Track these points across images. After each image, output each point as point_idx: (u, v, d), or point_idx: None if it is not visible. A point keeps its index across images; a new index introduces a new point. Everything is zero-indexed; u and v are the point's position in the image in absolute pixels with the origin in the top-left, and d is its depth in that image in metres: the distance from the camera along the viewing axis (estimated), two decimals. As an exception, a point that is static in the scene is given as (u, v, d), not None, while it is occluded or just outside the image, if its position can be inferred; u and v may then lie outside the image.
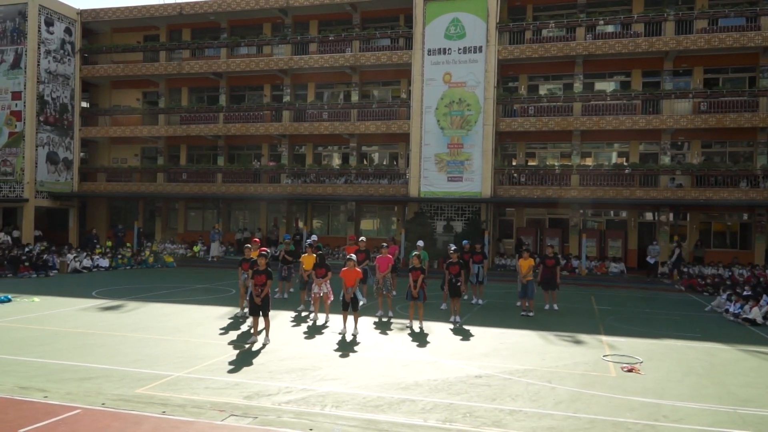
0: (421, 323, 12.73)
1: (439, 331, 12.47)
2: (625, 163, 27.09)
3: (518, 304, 15.56)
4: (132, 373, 8.60)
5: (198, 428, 6.56)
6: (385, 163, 31.17)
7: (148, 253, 27.27)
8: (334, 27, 30.81)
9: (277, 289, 16.63)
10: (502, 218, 29.26)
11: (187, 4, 31.05)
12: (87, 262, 24.02)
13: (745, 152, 26.41)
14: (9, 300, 15.28)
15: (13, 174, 30.19)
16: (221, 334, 11.71)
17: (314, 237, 16.96)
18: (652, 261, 24.55)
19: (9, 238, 28.21)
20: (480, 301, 16.45)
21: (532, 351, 10.73)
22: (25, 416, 6.76)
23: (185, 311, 14.37)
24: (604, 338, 12.05)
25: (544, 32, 27.59)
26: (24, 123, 30.06)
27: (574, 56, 26.54)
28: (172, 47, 32.09)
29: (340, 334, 11.83)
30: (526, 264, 14.70)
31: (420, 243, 15.85)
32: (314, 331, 12.26)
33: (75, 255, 24.26)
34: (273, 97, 31.74)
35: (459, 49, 26.87)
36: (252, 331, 11.18)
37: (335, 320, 13.03)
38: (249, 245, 14.40)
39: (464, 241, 17.29)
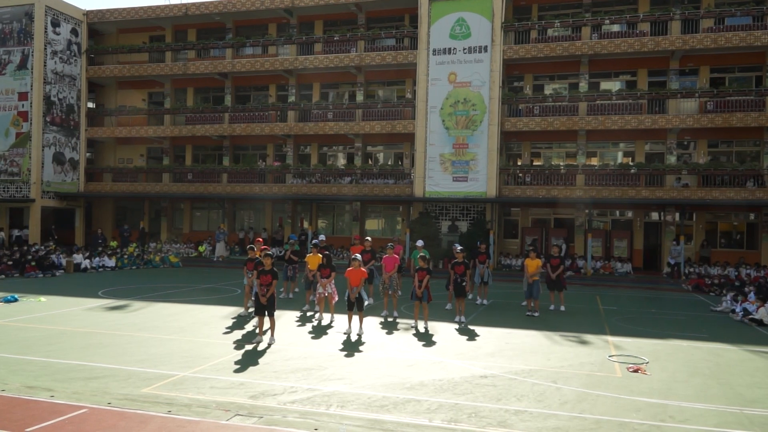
0: (426, 323, 12.72)
1: (444, 331, 12.45)
2: (630, 163, 27.01)
3: (524, 304, 15.52)
4: (138, 373, 8.63)
5: (203, 427, 6.58)
6: (390, 163, 31.17)
7: (152, 254, 27.34)
8: (339, 27, 30.84)
9: (282, 289, 16.66)
10: (507, 218, 29.22)
11: (193, 4, 31.14)
12: (89, 262, 24.10)
13: (752, 152, 26.29)
14: (15, 300, 15.35)
15: (19, 174, 30.35)
16: (226, 333, 11.73)
17: (322, 237, 16.96)
18: (672, 262, 24.36)
19: (3, 236, 28.42)
20: (485, 301, 16.43)
21: (538, 351, 10.70)
22: (32, 415, 6.79)
23: (191, 311, 14.40)
24: (610, 338, 12.01)
25: (550, 32, 27.53)
26: (30, 123, 30.21)
27: (580, 56, 26.47)
28: (178, 48, 32.18)
29: (345, 334, 11.83)
30: (533, 264, 14.65)
31: (419, 243, 15.84)
32: (319, 331, 12.27)
33: (86, 254, 24.43)
34: (278, 97, 31.81)
35: (464, 49, 26.84)
36: (257, 330, 11.20)
37: (340, 320, 13.04)
38: (252, 245, 14.47)
39: (479, 242, 17.26)
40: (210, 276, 22.65)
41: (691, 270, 24.18)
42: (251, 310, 13.49)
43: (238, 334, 11.63)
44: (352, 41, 29.45)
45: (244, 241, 30.15)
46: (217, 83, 32.74)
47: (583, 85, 27.18)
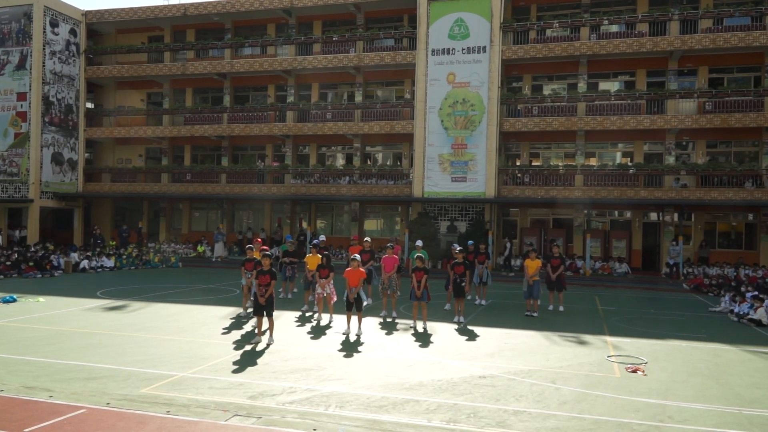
0: (425, 323, 12.71)
1: (443, 331, 12.46)
2: (629, 163, 27.02)
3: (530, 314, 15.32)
4: (137, 373, 8.62)
5: (202, 428, 6.57)
6: (388, 163, 31.17)
7: (152, 254, 27.33)
8: (338, 27, 30.84)
9: (280, 290, 16.65)
10: (506, 218, 29.22)
11: (192, 5, 31.13)
12: (89, 263, 24.09)
13: (751, 152, 26.31)
14: (14, 300, 15.34)
15: (18, 174, 30.32)
16: (225, 334, 11.72)
17: (322, 237, 16.93)
18: (672, 262, 24.31)
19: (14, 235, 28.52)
20: (483, 302, 16.43)
21: (537, 351, 10.71)
22: (31, 416, 6.78)
23: (189, 311, 14.39)
24: (609, 339, 12.02)
25: (548, 32, 27.54)
26: (29, 124, 30.17)
27: (578, 56, 26.49)
28: (177, 48, 32.17)
29: (344, 334, 11.83)
30: (533, 264, 14.64)
31: (419, 243, 15.84)
32: (318, 331, 12.27)
33: (85, 255, 24.41)
34: (277, 98, 31.79)
35: (463, 49, 26.85)
36: (256, 331, 11.20)
37: (339, 320, 13.04)
38: (251, 246, 14.45)
39: (469, 242, 17.28)
40: (209, 276, 22.64)
41: (690, 270, 24.19)
42: (250, 310, 13.48)
43: (236, 335, 11.63)
44: (351, 41, 29.44)
45: (243, 241, 30.12)
46: (216, 83, 32.73)
47: (582, 86, 27.19)
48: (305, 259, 14.86)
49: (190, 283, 20.36)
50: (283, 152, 31.67)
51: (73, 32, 32.20)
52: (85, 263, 23.77)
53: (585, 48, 25.95)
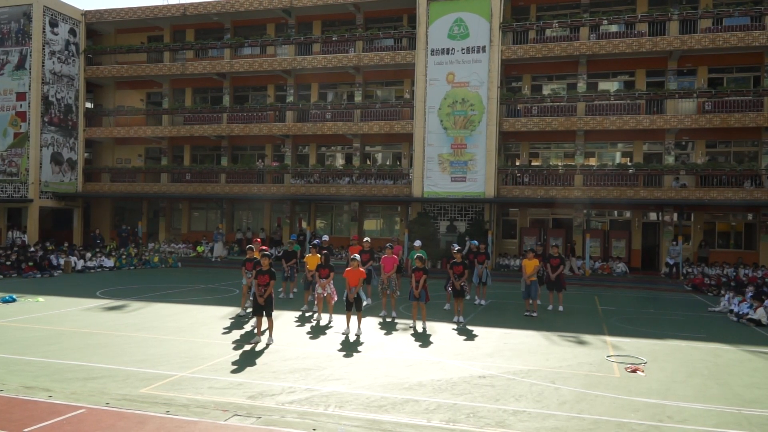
0: (424, 323, 12.71)
1: (442, 331, 12.45)
2: (629, 163, 27.02)
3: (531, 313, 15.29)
4: (136, 373, 8.62)
5: (202, 428, 6.57)
6: (388, 163, 31.16)
7: (150, 254, 27.32)
8: (338, 27, 30.83)
9: (280, 289, 16.65)
10: (506, 218, 29.22)
11: (191, 4, 31.12)
12: (91, 263, 24.09)
13: (750, 152, 26.32)
14: (14, 300, 15.33)
15: (17, 174, 30.30)
16: (225, 334, 11.72)
17: (325, 237, 16.89)
18: (672, 262, 24.27)
19: (23, 237, 28.55)
20: (483, 302, 16.43)
21: (536, 351, 10.71)
22: (30, 416, 6.78)
23: (189, 311, 14.39)
24: (608, 338, 12.02)
25: (548, 32, 27.55)
26: (29, 124, 30.16)
27: (578, 56, 26.49)
28: (176, 48, 32.16)
29: (343, 334, 11.83)
30: (531, 264, 14.64)
31: (417, 243, 15.84)
32: (318, 331, 12.26)
33: (89, 255, 24.43)
34: (276, 98, 31.78)
35: (462, 49, 26.85)
36: (255, 331, 11.20)
37: (339, 320, 13.03)
38: (251, 246, 14.46)
39: (473, 242, 17.26)
40: (208, 276, 22.64)
41: (690, 270, 24.20)
42: (249, 310, 13.49)
43: (236, 335, 11.62)
44: (351, 41, 29.44)
45: (242, 241, 30.12)
46: (216, 83, 32.72)
47: (582, 86, 27.19)
48: (305, 259, 14.84)
49: (189, 283, 20.35)
50: (282, 152, 31.66)
51: (72, 32, 32.19)
52: (80, 263, 23.75)
53: (584, 48, 25.95)
